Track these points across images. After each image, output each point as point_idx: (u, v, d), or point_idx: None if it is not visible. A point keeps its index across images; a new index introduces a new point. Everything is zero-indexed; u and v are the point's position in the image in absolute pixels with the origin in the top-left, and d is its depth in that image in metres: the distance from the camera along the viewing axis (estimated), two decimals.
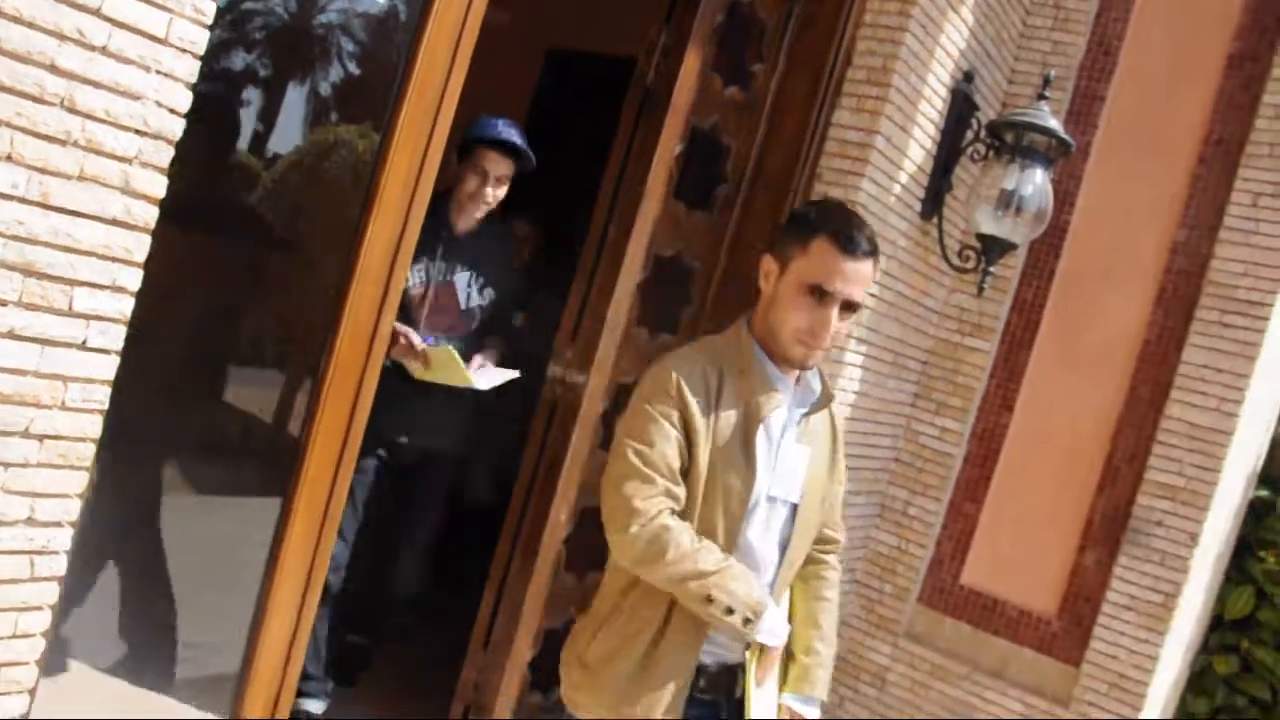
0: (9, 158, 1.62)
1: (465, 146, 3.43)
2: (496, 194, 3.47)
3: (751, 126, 3.74)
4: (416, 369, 3.31)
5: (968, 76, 4.12)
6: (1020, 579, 4.54)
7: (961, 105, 4.09)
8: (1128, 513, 4.30)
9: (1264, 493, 5.06)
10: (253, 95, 3.46)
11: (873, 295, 3.98)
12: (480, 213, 3.49)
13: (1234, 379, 4.12)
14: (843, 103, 3.76)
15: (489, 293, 3.58)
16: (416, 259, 3.30)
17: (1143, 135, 4.45)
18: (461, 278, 3.52)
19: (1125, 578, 4.24)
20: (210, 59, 1.88)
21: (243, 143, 3.62)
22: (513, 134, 3.43)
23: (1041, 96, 3.89)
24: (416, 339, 3.28)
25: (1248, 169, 4.22)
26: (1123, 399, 4.41)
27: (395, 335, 3.10)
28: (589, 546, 3.62)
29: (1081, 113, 4.53)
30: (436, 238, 3.39)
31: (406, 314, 3.33)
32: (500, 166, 3.43)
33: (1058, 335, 4.55)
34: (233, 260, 2.98)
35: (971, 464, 4.64)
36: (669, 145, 3.36)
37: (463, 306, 3.53)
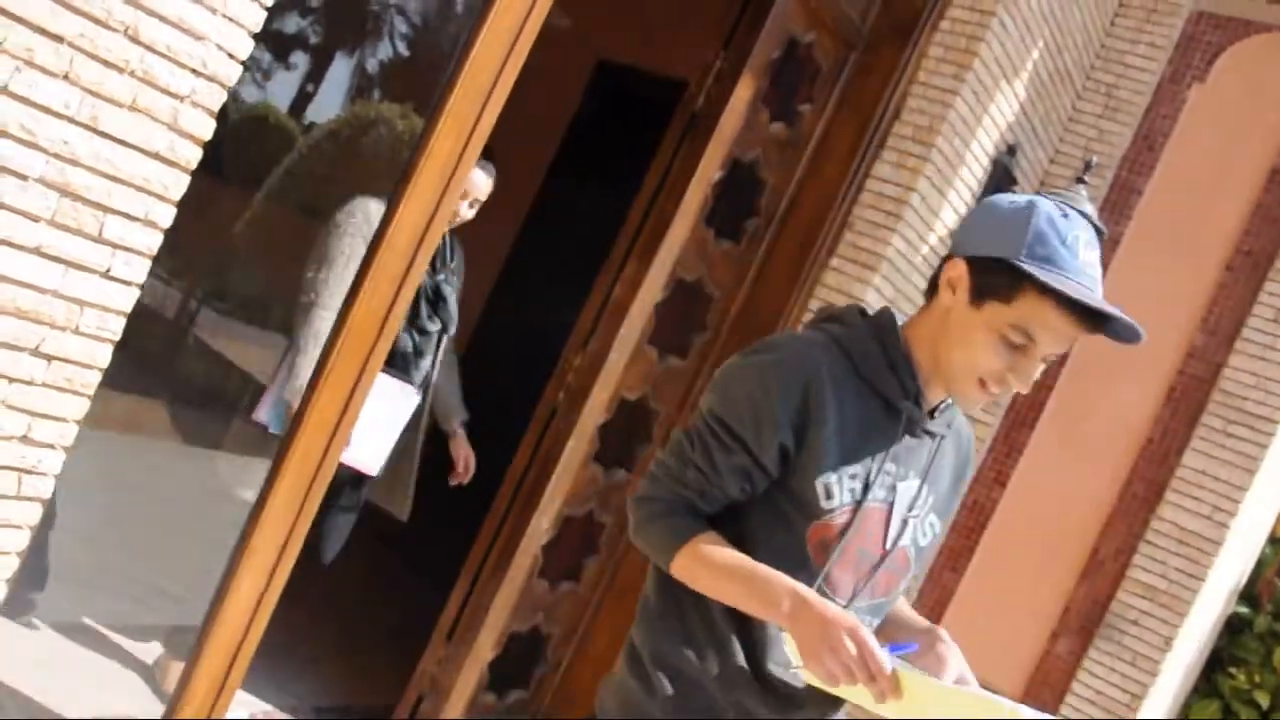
0: (65, 76, 1.63)
1: None
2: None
3: (791, 165, 3.75)
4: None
5: (1011, 149, 4.13)
6: (988, 655, 4.51)
7: (1001, 176, 4.10)
8: (1106, 607, 4.28)
9: (1244, 609, 5.04)
10: (300, 60, 3.46)
11: None
12: None
13: (1230, 489, 4.11)
14: (885, 156, 3.77)
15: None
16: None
17: (1174, 235, 4.47)
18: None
19: (1094, 671, 4.22)
20: (268, 17, 1.89)
21: (282, 104, 3.63)
22: None
23: (1080, 180, 3.91)
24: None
25: (1273, 283, 4.23)
26: (1116, 492, 4.40)
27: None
28: (566, 556, 3.61)
29: (1118, 203, 4.55)
30: None
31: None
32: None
33: (1061, 419, 4.55)
34: (252, 217, 2.98)
35: (957, 533, 4.62)
36: (708, 171, 3.37)
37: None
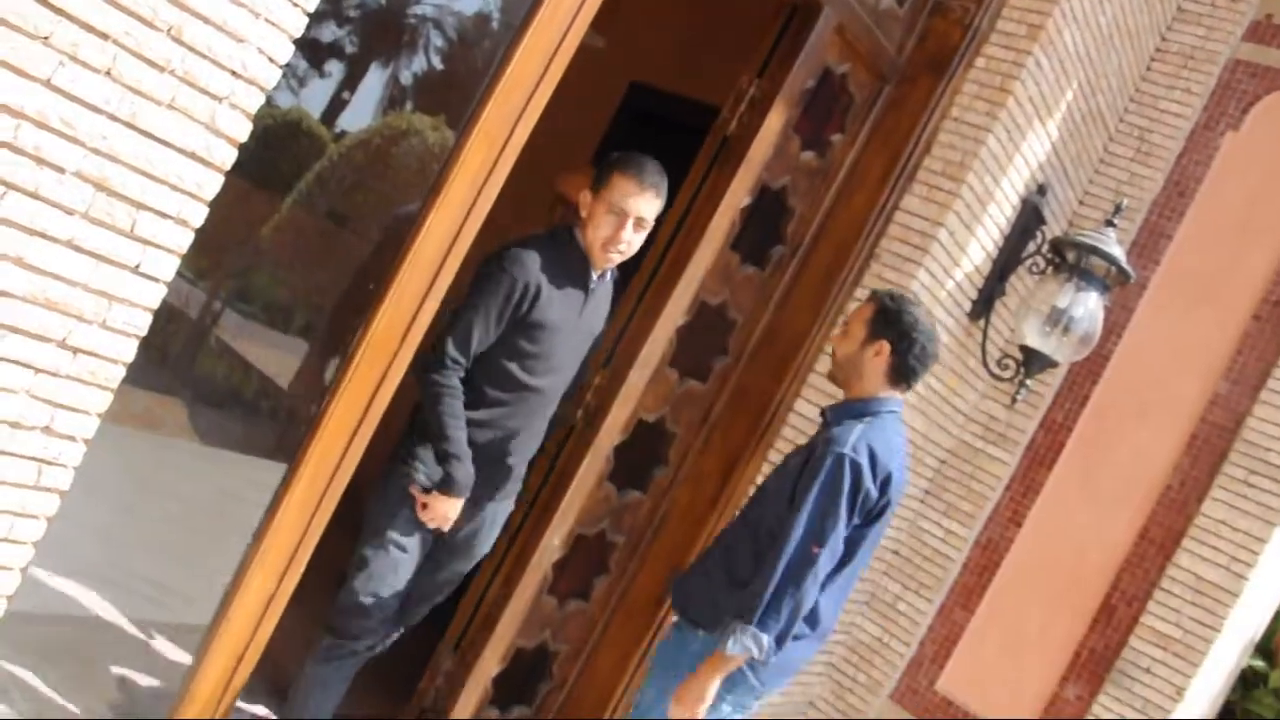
0: (108, 72, 1.65)
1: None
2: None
3: (820, 194, 3.75)
4: None
5: (1041, 189, 4.12)
6: (996, 697, 4.47)
7: (1030, 216, 4.09)
8: (1117, 653, 4.24)
9: (1258, 663, 4.98)
10: (335, 68, 3.49)
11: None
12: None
13: (1250, 540, 4.07)
14: (914, 189, 3.77)
15: None
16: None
17: (1202, 281, 4.44)
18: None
19: (1103, 718, 4.17)
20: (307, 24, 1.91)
21: (316, 110, 3.65)
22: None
23: (1110, 223, 3.89)
24: None
25: None
26: (1133, 538, 4.36)
27: None
28: (576, 574, 3.60)
29: (1146, 247, 4.53)
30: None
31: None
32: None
33: (1080, 462, 4.51)
34: (279, 222, 3.00)
35: (970, 571, 4.59)
36: (737, 196, 3.37)
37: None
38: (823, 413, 2.83)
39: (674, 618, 2.88)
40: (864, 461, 2.56)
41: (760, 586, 2.54)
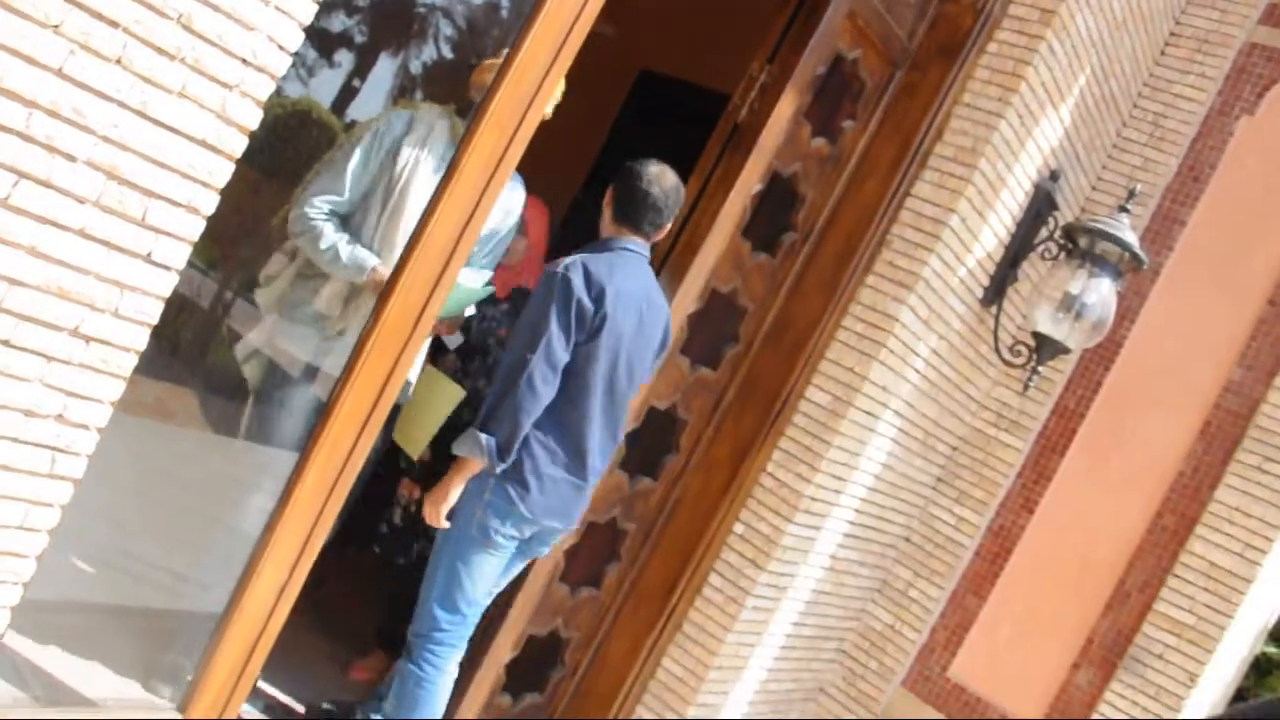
0: (119, 61, 1.65)
1: None
2: None
3: (831, 181, 3.74)
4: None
5: (1053, 175, 4.10)
6: (1008, 683, 4.47)
7: (1042, 202, 4.07)
8: (1130, 639, 4.23)
9: (1272, 649, 4.97)
10: (344, 58, 3.49)
11: (915, 371, 3.96)
12: None
13: (1264, 527, 4.05)
14: (926, 176, 3.75)
15: None
16: None
17: (1216, 267, 4.42)
18: None
19: (1115, 704, 4.16)
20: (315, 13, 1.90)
21: (325, 99, 3.65)
22: None
23: (1123, 209, 3.87)
24: None
25: None
26: (1146, 524, 4.34)
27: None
28: (588, 562, 3.61)
29: (1160, 233, 4.50)
30: None
31: None
32: None
33: (1093, 448, 4.50)
34: (289, 211, 2.99)
35: (982, 558, 4.58)
36: (748, 183, 3.36)
37: None
38: None
39: None
40: (575, 277, 2.75)
41: (488, 398, 2.78)
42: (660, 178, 2.89)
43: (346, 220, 2.83)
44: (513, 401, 2.72)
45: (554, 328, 2.72)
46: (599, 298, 2.76)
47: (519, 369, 2.72)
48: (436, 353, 3.43)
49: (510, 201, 3.09)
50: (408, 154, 2.81)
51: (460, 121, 2.84)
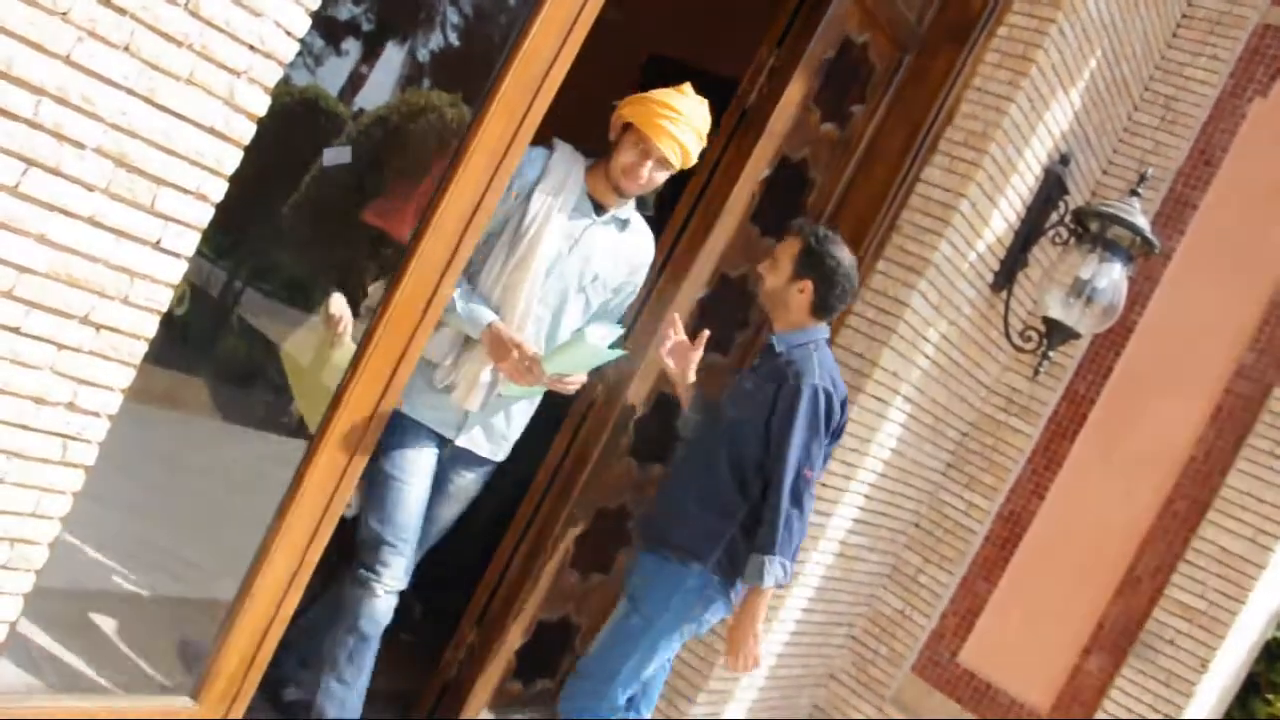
0: (126, 48, 1.64)
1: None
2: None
3: (840, 166, 3.72)
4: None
5: (1064, 159, 4.08)
6: (1018, 668, 4.46)
7: (1053, 186, 4.05)
8: (1141, 625, 4.22)
9: None
10: (353, 46, 3.48)
11: (926, 357, 3.94)
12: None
13: (1275, 511, 4.04)
14: (936, 160, 3.73)
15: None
16: None
17: (1228, 252, 4.39)
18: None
19: (1126, 690, 4.16)
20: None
21: (333, 88, 3.65)
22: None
23: (1134, 193, 3.85)
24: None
25: None
26: (1156, 510, 4.33)
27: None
28: (598, 548, 3.61)
29: (1171, 217, 4.47)
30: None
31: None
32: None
33: (1103, 433, 4.48)
34: (299, 200, 2.99)
35: (992, 544, 4.57)
36: (757, 168, 3.35)
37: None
38: (769, 342, 3.02)
39: (643, 551, 3.02)
40: (831, 388, 2.86)
41: (773, 516, 2.78)
42: (851, 264, 2.93)
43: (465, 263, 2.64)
44: (801, 522, 2.82)
45: (818, 442, 2.82)
46: (843, 405, 2.90)
47: (804, 489, 2.80)
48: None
49: (640, 253, 2.89)
50: (540, 201, 2.68)
51: (590, 161, 2.78)
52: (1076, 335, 3.90)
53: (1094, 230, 3.82)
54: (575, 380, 2.72)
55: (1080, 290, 3.79)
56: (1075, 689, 4.34)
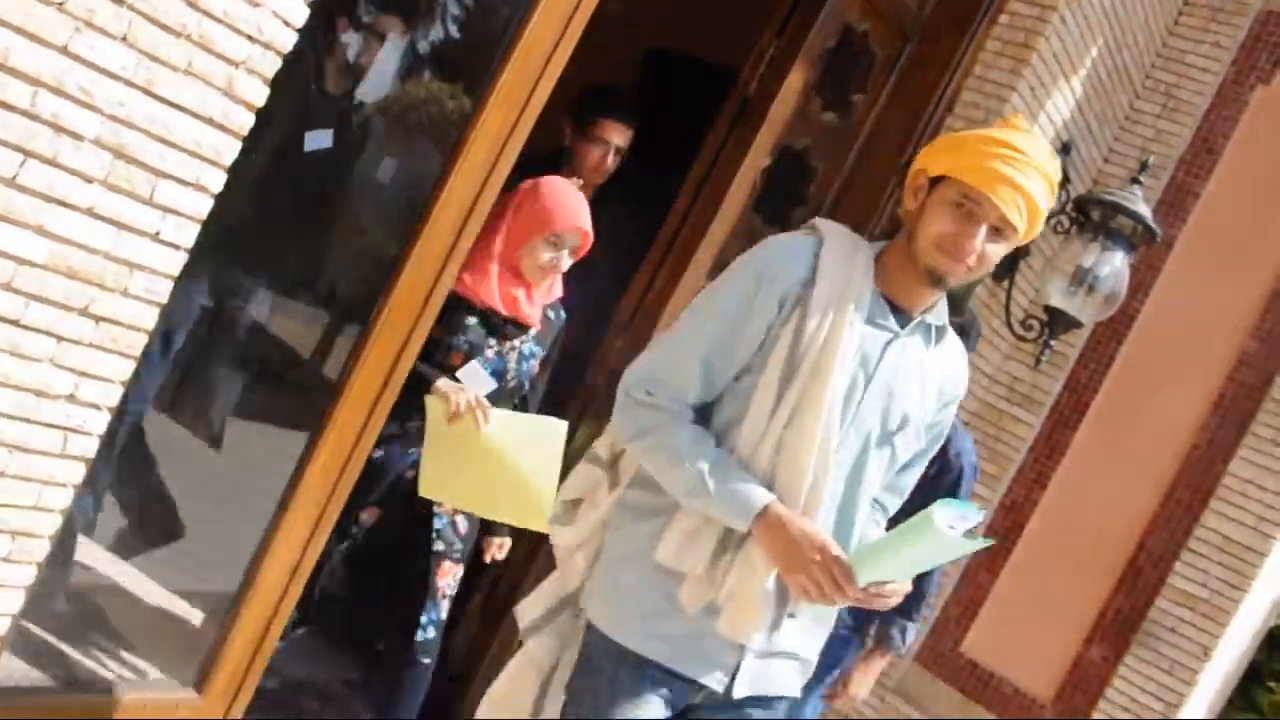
0: (123, 38, 1.63)
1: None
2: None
3: (842, 155, 3.71)
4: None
5: (1065, 147, 4.07)
6: (1021, 658, 4.46)
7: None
8: (1143, 614, 4.22)
9: None
10: (352, 38, 3.47)
11: None
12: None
13: (1278, 500, 4.04)
14: None
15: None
16: None
17: (1230, 240, 4.38)
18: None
19: (1129, 679, 4.16)
20: None
21: (330, 80, 3.62)
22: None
23: (1136, 180, 3.84)
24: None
25: None
26: (1159, 498, 4.33)
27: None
28: None
29: (1173, 205, 4.46)
30: None
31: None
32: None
33: (1106, 422, 4.48)
34: (297, 193, 2.98)
35: (994, 533, 4.57)
36: (758, 158, 3.34)
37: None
38: None
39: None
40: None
41: (928, 587, 2.87)
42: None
43: (709, 414, 1.86)
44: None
45: None
46: None
47: None
48: None
49: (954, 381, 1.96)
50: (820, 313, 1.76)
51: (878, 245, 1.90)
52: (1078, 324, 3.89)
53: (1096, 218, 3.81)
54: (898, 590, 1.78)
55: (1082, 279, 3.78)
56: (1078, 678, 4.34)
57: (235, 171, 1.87)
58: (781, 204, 3.60)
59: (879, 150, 3.72)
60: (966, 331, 2.69)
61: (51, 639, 2.48)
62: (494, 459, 2.61)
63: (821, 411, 1.74)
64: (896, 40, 3.68)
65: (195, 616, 3.00)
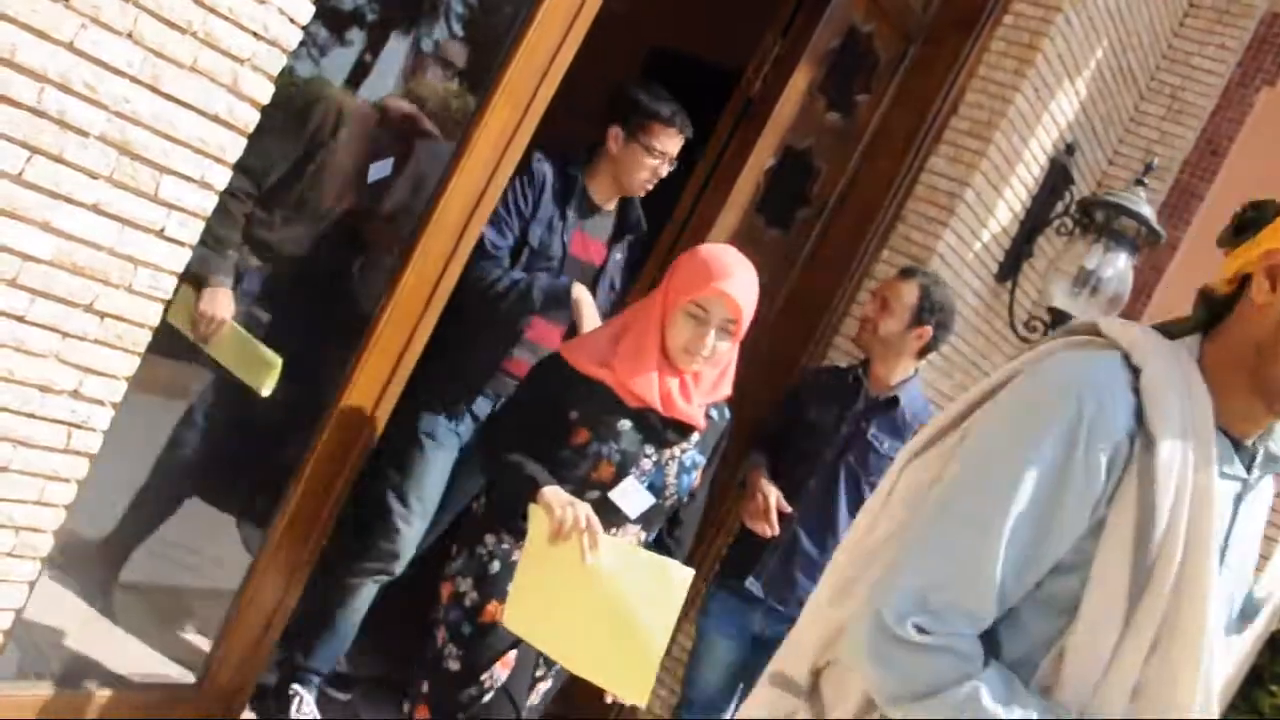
0: (129, 35, 1.64)
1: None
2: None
3: (845, 156, 3.71)
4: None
5: (1069, 149, 4.06)
6: None
7: (1058, 176, 4.03)
8: None
9: None
10: (356, 36, 3.47)
11: None
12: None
13: (1279, 501, 4.02)
14: (941, 150, 3.72)
15: None
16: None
17: None
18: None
19: None
20: None
21: (337, 79, 3.63)
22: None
23: (1140, 182, 3.83)
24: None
25: None
26: None
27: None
28: None
29: (1177, 207, 4.46)
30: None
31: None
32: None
33: None
34: (298, 190, 2.99)
35: None
36: (762, 158, 3.34)
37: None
38: (882, 395, 2.98)
39: None
40: None
41: None
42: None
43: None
44: None
45: None
46: None
47: None
48: None
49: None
50: (1169, 487, 1.21)
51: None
52: None
53: (1099, 220, 3.81)
54: None
55: (1085, 280, 3.78)
56: None
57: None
58: (785, 205, 3.60)
59: (883, 151, 3.72)
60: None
61: (53, 634, 2.49)
62: (596, 600, 2.09)
63: (1203, 638, 1.19)
64: (901, 41, 3.68)
65: (195, 616, 3.01)
